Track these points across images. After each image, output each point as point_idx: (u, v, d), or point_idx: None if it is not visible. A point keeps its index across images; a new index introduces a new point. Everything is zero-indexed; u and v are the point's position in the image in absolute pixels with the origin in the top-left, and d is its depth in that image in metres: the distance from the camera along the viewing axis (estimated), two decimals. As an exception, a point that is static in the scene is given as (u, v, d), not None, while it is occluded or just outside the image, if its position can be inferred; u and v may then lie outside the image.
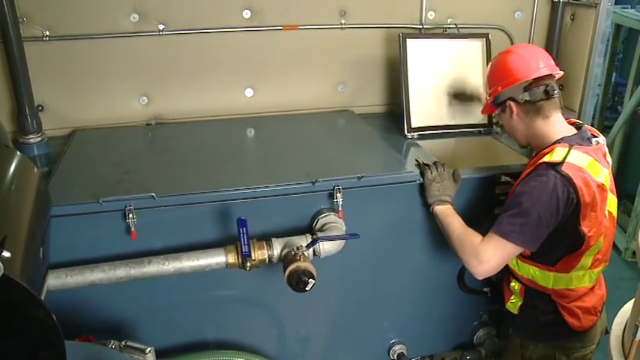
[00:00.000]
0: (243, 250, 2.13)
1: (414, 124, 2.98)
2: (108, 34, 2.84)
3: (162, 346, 2.29)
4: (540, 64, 2.20)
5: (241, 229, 2.09)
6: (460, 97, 3.06)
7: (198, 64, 3.01)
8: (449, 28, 3.20)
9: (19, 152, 1.75)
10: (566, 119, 2.25)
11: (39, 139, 2.76)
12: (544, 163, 2.05)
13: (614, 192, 2.21)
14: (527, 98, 2.18)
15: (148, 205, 2.18)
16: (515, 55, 2.24)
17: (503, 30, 3.31)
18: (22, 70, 2.65)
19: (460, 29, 3.20)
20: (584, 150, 2.09)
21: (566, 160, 2.02)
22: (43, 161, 2.71)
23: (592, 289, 2.26)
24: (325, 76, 3.22)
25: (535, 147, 2.27)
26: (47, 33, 2.77)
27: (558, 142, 2.12)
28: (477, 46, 3.08)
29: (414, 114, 2.98)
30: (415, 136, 2.97)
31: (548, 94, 2.16)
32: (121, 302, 2.34)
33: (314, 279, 2.13)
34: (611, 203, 2.17)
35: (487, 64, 3.06)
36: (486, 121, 3.09)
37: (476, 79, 3.09)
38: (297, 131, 3.05)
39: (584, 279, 2.20)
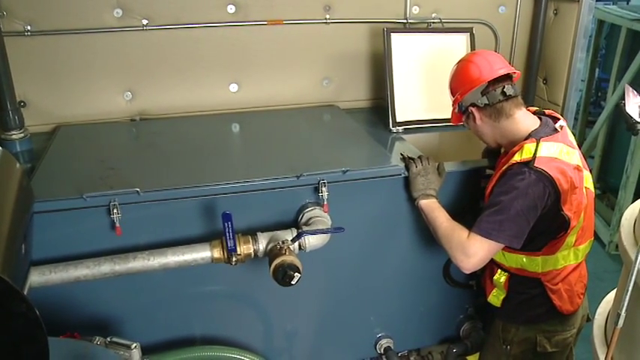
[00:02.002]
0: (229, 245, 2.13)
1: (398, 119, 2.99)
2: (91, 29, 2.82)
3: (148, 342, 2.27)
4: (494, 66, 2.27)
5: (226, 224, 2.08)
6: (445, 91, 3.06)
7: (183, 60, 3.00)
8: (433, 22, 3.20)
9: (0, 147, 1.73)
10: (525, 108, 2.32)
11: (21, 135, 2.73)
12: (516, 163, 2.11)
13: (586, 167, 2.27)
14: (486, 101, 2.25)
15: (133, 201, 2.17)
16: (470, 63, 2.32)
17: (487, 24, 3.32)
18: (3, 65, 2.61)
19: (444, 24, 3.21)
20: (552, 139, 2.15)
21: (537, 155, 2.08)
22: (26, 157, 2.68)
23: (577, 269, 2.31)
24: (310, 71, 3.22)
25: (505, 147, 2.32)
26: (29, 28, 2.74)
27: (526, 139, 2.17)
28: (461, 40, 3.10)
29: (399, 108, 2.98)
30: (400, 131, 2.97)
31: (505, 95, 2.23)
32: (107, 298, 2.33)
33: (299, 273, 2.13)
34: (587, 179, 2.24)
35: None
36: (471, 116, 3.10)
37: (460, 73, 3.10)
38: (282, 126, 3.04)
39: (570, 257, 2.26)
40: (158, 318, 2.44)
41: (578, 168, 2.15)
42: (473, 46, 3.08)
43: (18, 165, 1.76)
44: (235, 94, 3.14)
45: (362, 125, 3.03)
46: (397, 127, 2.98)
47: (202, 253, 2.18)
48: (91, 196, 2.14)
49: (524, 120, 2.25)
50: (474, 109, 2.29)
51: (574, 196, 2.11)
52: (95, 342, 2.03)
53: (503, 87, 2.23)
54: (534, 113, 2.32)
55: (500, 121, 2.25)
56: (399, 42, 2.98)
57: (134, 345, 2.04)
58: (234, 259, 2.16)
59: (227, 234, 2.11)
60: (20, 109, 2.76)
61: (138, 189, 2.16)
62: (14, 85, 2.71)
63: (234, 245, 2.14)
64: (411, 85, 3.03)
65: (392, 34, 2.96)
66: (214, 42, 3.01)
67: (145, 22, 2.86)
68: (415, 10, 3.22)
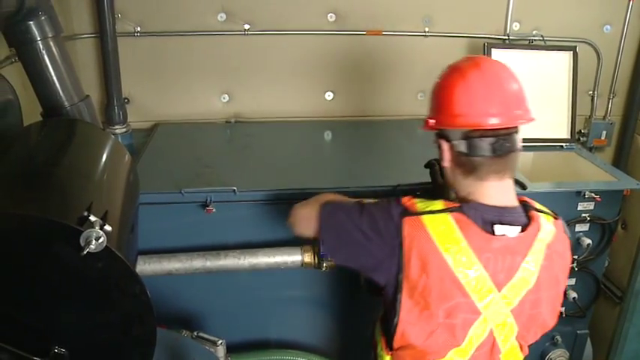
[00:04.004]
0: (322, 251, 2.12)
1: (494, 136, 2.91)
2: (195, 32, 2.90)
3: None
4: (492, 109, 1.58)
5: (320, 229, 2.08)
6: (544, 109, 2.97)
7: (281, 65, 3.04)
8: (535, 39, 3.11)
9: (113, 136, 1.80)
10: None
11: (124, 130, 2.84)
12: None
13: None
14: (464, 150, 1.60)
15: (228, 199, 2.21)
16: (467, 85, 1.61)
17: (589, 43, 3.18)
18: (114, 63, 2.73)
19: (546, 41, 3.11)
20: None
21: None
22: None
23: None
24: (406, 84, 3.17)
25: None
26: (138, 29, 2.85)
27: None
28: (563, 58, 3.00)
29: (495, 125, 2.91)
30: (495, 148, 2.89)
31: (495, 151, 1.58)
32: (190, 295, 2.38)
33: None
34: None
35: (574, 78, 2.97)
36: (569, 136, 3.00)
37: (560, 92, 3.01)
38: (375, 136, 3.04)
39: None
40: (237, 318, 2.45)
41: None
42: (575, 65, 2.98)
43: (127, 155, 1.82)
44: (330, 102, 3.15)
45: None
46: (492, 144, 2.90)
47: (293, 257, 2.18)
48: (189, 192, 2.19)
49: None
50: (445, 145, 1.71)
51: None
52: (183, 334, 2.07)
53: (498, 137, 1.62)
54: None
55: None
56: (500, 57, 2.89)
57: (220, 341, 2.06)
58: (325, 264, 2.15)
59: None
60: (125, 105, 2.88)
61: (235, 188, 2.19)
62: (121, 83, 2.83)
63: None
64: (508, 102, 2.95)
65: (492, 49, 2.91)
66: (312, 50, 3.04)
67: (246, 26, 2.92)
68: (516, 26, 3.13)
